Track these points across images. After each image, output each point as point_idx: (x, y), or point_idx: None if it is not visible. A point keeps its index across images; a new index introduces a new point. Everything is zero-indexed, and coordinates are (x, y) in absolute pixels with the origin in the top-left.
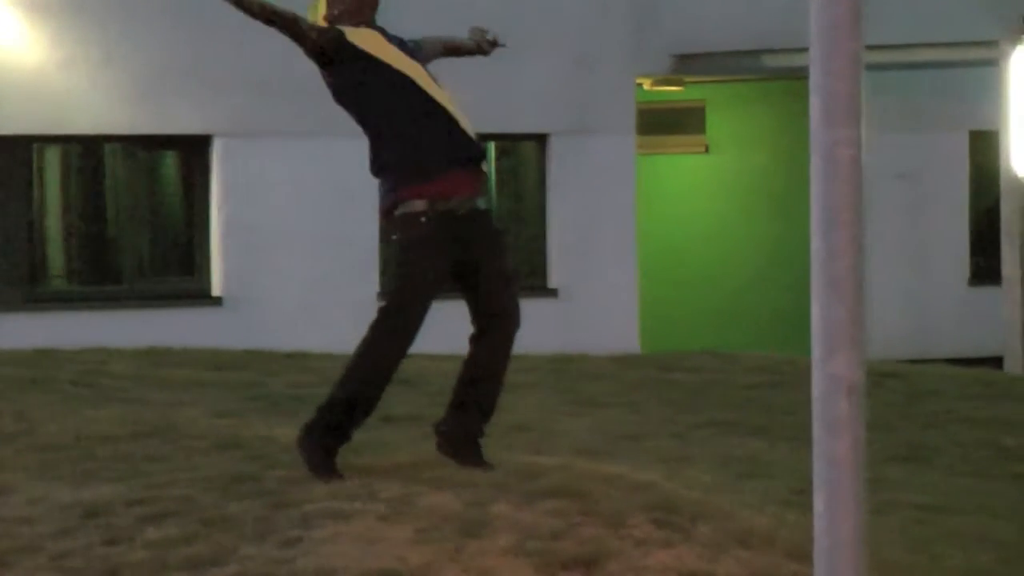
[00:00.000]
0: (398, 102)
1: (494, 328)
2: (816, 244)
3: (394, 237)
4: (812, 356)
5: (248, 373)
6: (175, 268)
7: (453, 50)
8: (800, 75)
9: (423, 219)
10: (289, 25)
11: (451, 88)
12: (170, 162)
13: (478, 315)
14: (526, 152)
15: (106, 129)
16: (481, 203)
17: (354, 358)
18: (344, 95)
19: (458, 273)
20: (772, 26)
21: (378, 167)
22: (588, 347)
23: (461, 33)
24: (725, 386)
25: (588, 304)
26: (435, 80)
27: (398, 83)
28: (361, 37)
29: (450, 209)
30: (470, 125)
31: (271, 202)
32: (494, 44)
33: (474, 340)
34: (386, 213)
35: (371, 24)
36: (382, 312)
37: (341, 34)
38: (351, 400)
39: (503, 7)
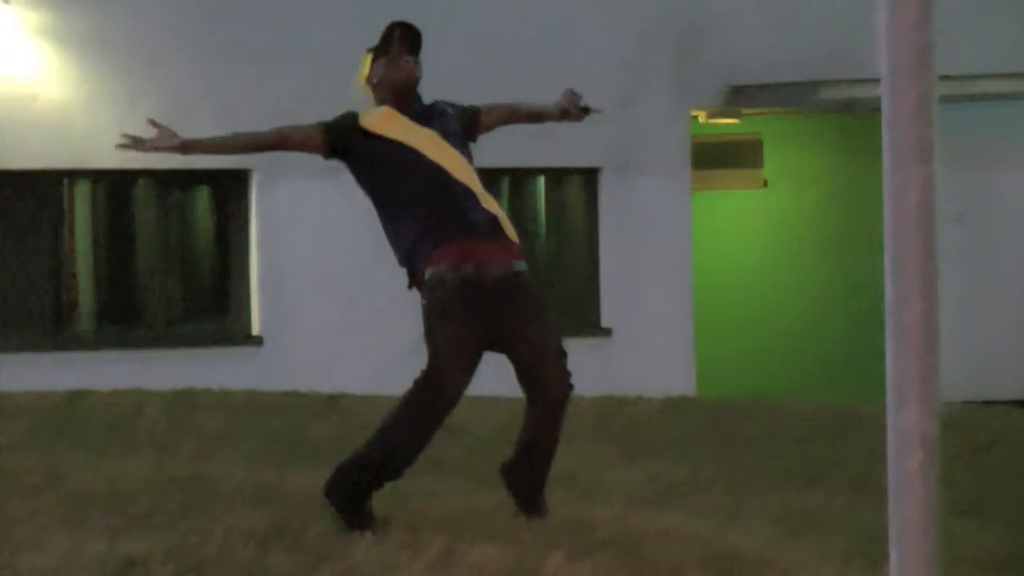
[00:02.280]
0: (406, 174)
1: (541, 404)
2: (888, 290)
3: (423, 303)
4: (887, 406)
5: (287, 418)
6: (211, 308)
7: (531, 116)
8: (857, 108)
9: (448, 282)
10: (287, 142)
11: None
12: (205, 198)
13: (524, 385)
14: (575, 187)
15: (136, 164)
16: (518, 266)
17: (389, 421)
18: (359, 178)
19: (496, 342)
20: (828, 56)
21: (399, 249)
22: (642, 388)
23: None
24: (780, 435)
25: (642, 345)
26: (458, 151)
27: (404, 156)
28: (373, 118)
29: (477, 274)
30: (490, 199)
31: (312, 239)
32: (586, 111)
33: (527, 402)
34: (417, 284)
35: (407, 99)
36: (418, 382)
37: (353, 119)
38: (381, 463)
39: (547, 40)
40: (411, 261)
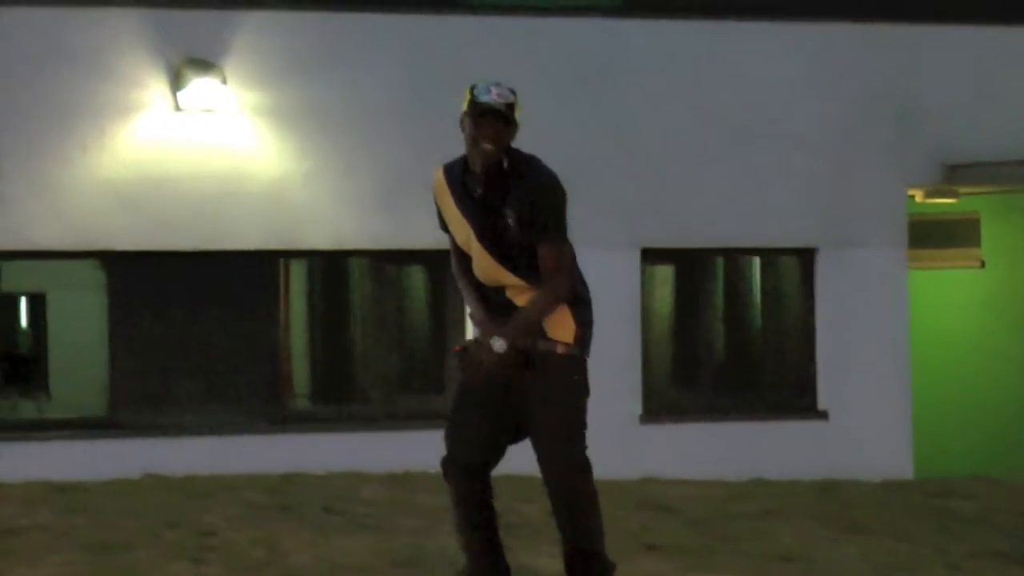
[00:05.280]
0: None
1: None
2: None
3: None
4: None
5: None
6: (425, 386)
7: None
8: None
9: (464, 358)
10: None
11: None
12: (417, 275)
13: None
14: (791, 266)
15: (350, 244)
16: (540, 346)
17: None
18: None
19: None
20: None
21: None
22: (858, 471)
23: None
24: (1001, 514)
25: (859, 427)
26: (482, 248)
27: (450, 226)
28: (437, 182)
29: (478, 355)
30: (501, 278)
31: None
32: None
33: None
34: None
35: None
36: None
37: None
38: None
39: (764, 105)
40: None
